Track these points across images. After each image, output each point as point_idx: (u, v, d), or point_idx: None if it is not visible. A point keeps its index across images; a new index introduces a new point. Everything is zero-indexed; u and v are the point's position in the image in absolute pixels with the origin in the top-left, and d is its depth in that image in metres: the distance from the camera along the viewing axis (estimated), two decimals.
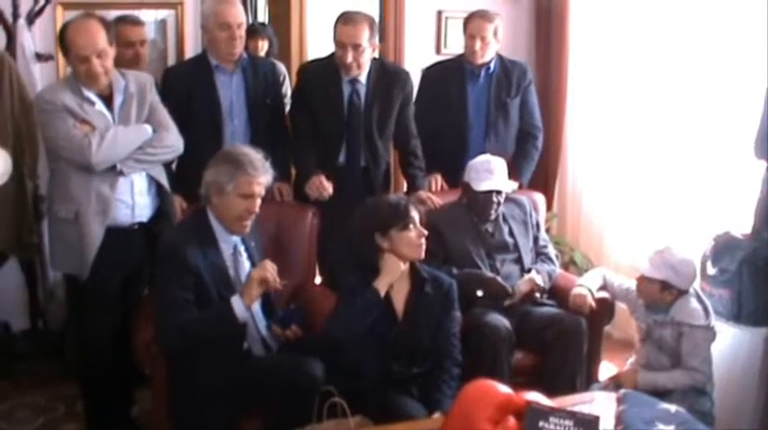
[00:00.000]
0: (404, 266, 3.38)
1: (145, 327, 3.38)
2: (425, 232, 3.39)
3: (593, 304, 3.87)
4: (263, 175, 3.31)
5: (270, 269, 3.25)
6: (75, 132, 3.46)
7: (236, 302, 3.19)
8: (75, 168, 3.52)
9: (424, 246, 3.39)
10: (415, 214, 3.37)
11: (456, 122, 4.69)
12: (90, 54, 3.46)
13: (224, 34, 4.06)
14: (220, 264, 3.33)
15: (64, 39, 3.50)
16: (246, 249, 3.48)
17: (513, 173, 4.37)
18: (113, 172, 3.55)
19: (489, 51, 4.63)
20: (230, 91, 4.19)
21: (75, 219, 3.55)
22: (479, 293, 3.90)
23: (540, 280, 4.00)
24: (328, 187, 4.14)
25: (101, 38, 3.49)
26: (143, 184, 3.69)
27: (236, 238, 3.41)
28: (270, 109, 4.31)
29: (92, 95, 3.55)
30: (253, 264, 3.46)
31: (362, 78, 4.28)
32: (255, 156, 3.32)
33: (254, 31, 5.78)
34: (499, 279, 3.93)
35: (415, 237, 3.36)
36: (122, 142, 3.53)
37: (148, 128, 3.64)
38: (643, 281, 3.62)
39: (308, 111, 4.30)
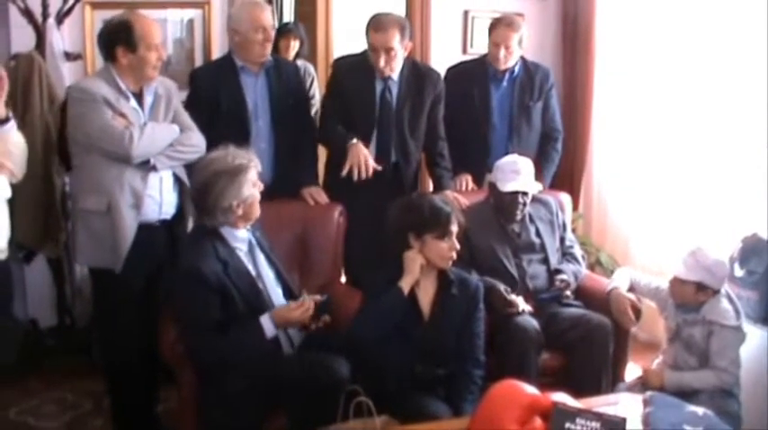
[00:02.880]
0: (422, 261, 3.34)
1: (170, 327, 3.39)
2: (458, 246, 3.37)
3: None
4: (254, 158, 3.41)
5: (310, 313, 3.31)
6: (115, 124, 3.51)
7: (266, 322, 3.24)
8: (107, 161, 3.55)
9: (452, 258, 3.37)
10: (454, 227, 3.33)
11: (479, 125, 4.70)
12: (159, 43, 3.64)
13: (260, 37, 4.08)
14: (242, 268, 3.35)
15: (133, 31, 3.57)
16: (257, 241, 3.50)
17: (535, 175, 4.36)
18: (145, 167, 3.59)
19: (512, 59, 4.64)
20: (255, 92, 4.21)
21: (107, 210, 3.58)
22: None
23: (522, 309, 3.88)
24: (370, 162, 4.12)
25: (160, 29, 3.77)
26: (170, 181, 3.74)
27: (247, 235, 3.44)
28: (293, 110, 4.32)
29: (128, 91, 3.63)
30: (265, 254, 3.51)
31: (395, 76, 4.30)
32: (232, 151, 3.37)
33: (287, 30, 5.81)
34: (501, 291, 3.84)
35: (446, 250, 3.34)
36: (158, 138, 3.61)
37: (176, 127, 3.72)
38: (677, 283, 3.59)
39: (341, 106, 4.31)
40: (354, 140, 4.14)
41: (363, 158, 4.09)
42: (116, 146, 3.51)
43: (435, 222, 3.32)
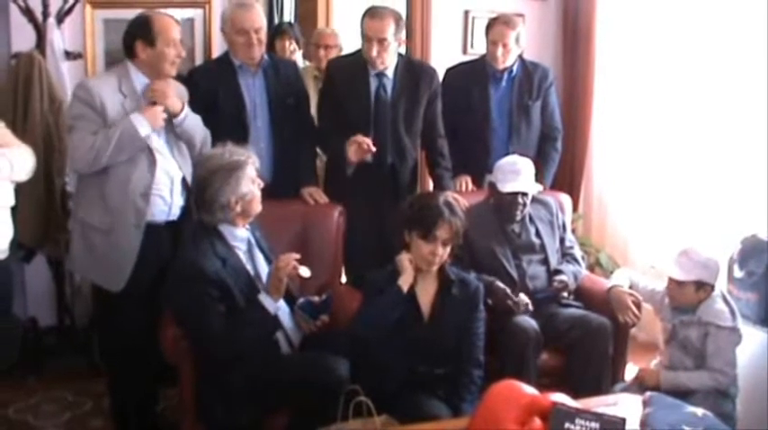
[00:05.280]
0: (410, 257, 3.36)
1: (171, 325, 3.38)
2: (441, 253, 3.34)
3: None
4: (252, 155, 3.41)
5: (292, 263, 3.26)
6: (86, 143, 3.50)
7: (265, 299, 3.24)
8: (111, 177, 3.56)
9: (434, 263, 3.36)
10: (441, 232, 3.30)
11: (479, 125, 4.69)
12: (177, 38, 3.64)
13: (242, 39, 4.07)
14: (240, 267, 3.35)
15: (153, 26, 3.59)
16: (257, 241, 3.50)
17: (535, 175, 4.36)
18: (146, 186, 3.59)
19: (511, 57, 4.63)
20: (253, 92, 4.21)
21: (108, 230, 3.59)
22: (489, 302, 3.85)
23: (526, 303, 3.87)
24: (367, 140, 4.11)
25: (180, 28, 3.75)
26: (179, 184, 3.73)
27: (246, 235, 3.43)
28: (292, 109, 4.31)
29: (141, 92, 3.64)
30: (264, 254, 3.49)
31: (389, 73, 4.30)
32: (230, 148, 3.38)
33: (281, 31, 5.79)
34: (508, 291, 3.84)
35: (426, 252, 3.33)
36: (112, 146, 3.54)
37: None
38: (675, 286, 3.59)
39: (336, 106, 4.31)
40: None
41: (361, 138, 4.11)
42: (74, 162, 3.63)
43: (421, 221, 3.32)
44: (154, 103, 3.59)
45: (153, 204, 3.63)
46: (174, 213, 3.74)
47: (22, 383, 4.48)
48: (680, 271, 3.55)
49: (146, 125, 3.53)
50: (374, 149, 4.11)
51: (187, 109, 3.73)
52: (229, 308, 3.21)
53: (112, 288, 3.64)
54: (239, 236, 3.40)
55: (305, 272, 3.29)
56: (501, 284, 3.85)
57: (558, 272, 4.08)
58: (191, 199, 3.76)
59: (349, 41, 5.54)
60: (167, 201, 3.69)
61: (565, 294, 4.04)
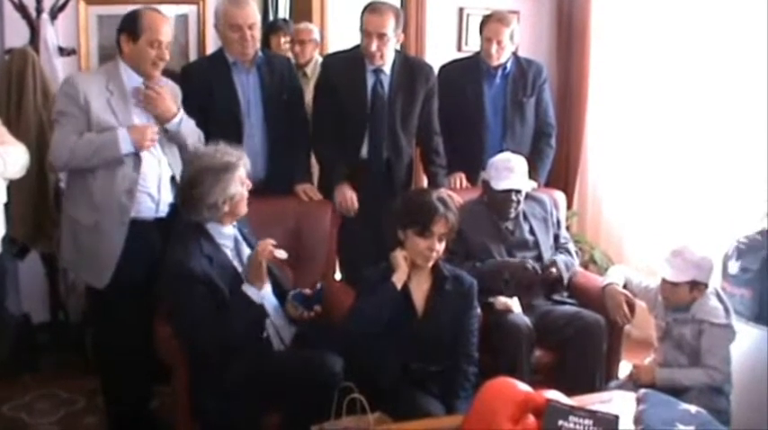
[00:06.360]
0: (405, 254, 3.36)
1: (164, 323, 3.39)
2: (438, 247, 3.35)
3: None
4: (243, 156, 3.38)
5: (269, 247, 3.27)
6: (67, 142, 3.51)
7: (248, 289, 3.25)
8: (97, 175, 3.56)
9: (431, 258, 3.36)
10: (438, 227, 3.30)
11: (473, 122, 4.70)
12: (164, 40, 3.59)
13: (235, 35, 4.04)
14: (227, 263, 3.35)
15: (139, 22, 3.57)
16: (244, 238, 3.49)
17: (530, 172, 4.36)
18: (131, 183, 3.58)
19: (505, 54, 4.64)
20: (247, 88, 4.19)
21: (93, 227, 3.59)
22: (506, 276, 3.87)
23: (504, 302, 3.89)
24: (355, 203, 4.20)
25: (171, 30, 3.69)
26: (168, 180, 3.72)
27: (233, 232, 3.43)
28: (286, 105, 4.29)
29: (129, 90, 3.63)
30: (252, 248, 3.48)
31: (386, 69, 4.29)
32: (221, 148, 3.36)
33: (276, 28, 5.78)
34: (527, 262, 3.91)
35: (424, 248, 3.32)
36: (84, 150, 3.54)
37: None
38: (668, 287, 3.58)
39: (332, 102, 4.30)
40: (340, 183, 4.22)
41: (349, 198, 4.19)
42: (52, 154, 3.61)
43: (417, 217, 3.32)
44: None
45: (140, 201, 3.62)
46: (163, 210, 3.73)
47: (16, 380, 4.47)
48: (674, 272, 3.55)
49: (129, 144, 3.52)
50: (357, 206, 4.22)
51: (181, 113, 3.72)
52: (218, 304, 3.20)
53: (96, 284, 3.65)
54: (226, 233, 3.39)
55: (281, 254, 3.29)
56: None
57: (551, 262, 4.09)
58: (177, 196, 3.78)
59: (346, 38, 5.54)
60: (155, 198, 3.67)
61: (553, 270, 4.02)
